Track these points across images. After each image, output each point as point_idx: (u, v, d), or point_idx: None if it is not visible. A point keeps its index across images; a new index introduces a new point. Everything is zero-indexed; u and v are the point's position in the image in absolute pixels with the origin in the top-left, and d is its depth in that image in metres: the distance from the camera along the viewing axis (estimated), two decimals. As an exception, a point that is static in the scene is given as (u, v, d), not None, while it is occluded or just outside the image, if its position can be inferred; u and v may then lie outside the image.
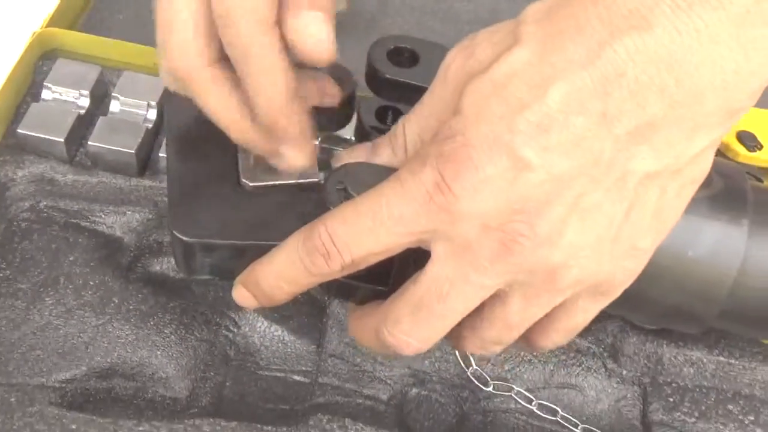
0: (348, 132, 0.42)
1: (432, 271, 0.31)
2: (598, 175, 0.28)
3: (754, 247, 0.35)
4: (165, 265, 0.47)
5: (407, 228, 0.30)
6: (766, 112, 0.50)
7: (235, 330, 0.46)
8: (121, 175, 0.47)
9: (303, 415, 0.42)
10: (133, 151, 0.46)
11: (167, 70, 0.33)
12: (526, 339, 0.34)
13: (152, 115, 0.48)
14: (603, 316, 0.44)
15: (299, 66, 0.34)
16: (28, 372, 0.41)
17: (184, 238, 0.35)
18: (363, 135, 0.40)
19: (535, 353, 0.45)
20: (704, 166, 0.30)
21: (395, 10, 0.63)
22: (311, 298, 0.46)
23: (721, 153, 0.50)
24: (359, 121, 0.40)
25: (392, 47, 0.41)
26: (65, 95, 0.48)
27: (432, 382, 0.45)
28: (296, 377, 0.45)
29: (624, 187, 0.29)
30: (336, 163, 0.36)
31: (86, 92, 0.48)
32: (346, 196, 0.32)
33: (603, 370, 0.45)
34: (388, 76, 0.40)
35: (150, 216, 0.47)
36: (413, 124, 0.33)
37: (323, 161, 0.38)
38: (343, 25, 0.61)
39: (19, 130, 0.47)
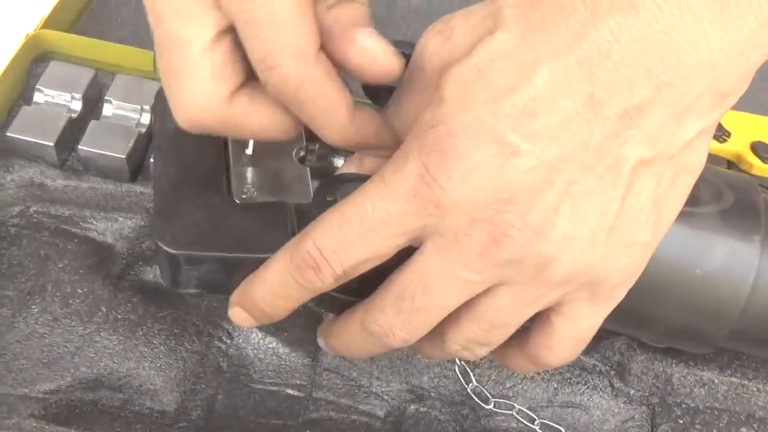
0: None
1: (418, 262, 0.30)
2: (589, 160, 0.27)
3: (767, 264, 0.33)
4: (157, 274, 0.46)
5: (396, 228, 0.29)
6: (782, 122, 0.49)
7: (229, 341, 0.45)
8: (113, 181, 0.47)
9: (296, 430, 0.42)
10: (124, 156, 0.45)
11: (186, 122, 0.30)
12: (530, 355, 0.33)
13: (145, 119, 0.47)
14: (610, 333, 0.44)
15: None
16: (11, 382, 0.40)
17: (170, 250, 0.34)
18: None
19: (540, 371, 0.44)
20: (699, 155, 0.29)
21: (401, 16, 0.62)
22: (307, 310, 0.45)
23: (734, 165, 0.49)
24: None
25: None
26: (57, 98, 0.47)
27: (431, 399, 0.44)
28: (290, 391, 0.44)
29: (617, 174, 0.28)
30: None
31: (78, 95, 0.47)
32: None
33: (609, 388, 0.44)
34: None
35: (142, 223, 0.46)
36: (393, 120, 0.32)
37: (317, 171, 0.37)
38: None
39: (8, 134, 0.46)
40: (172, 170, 0.36)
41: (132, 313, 0.43)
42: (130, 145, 0.46)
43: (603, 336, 0.44)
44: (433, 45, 0.30)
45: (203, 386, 0.43)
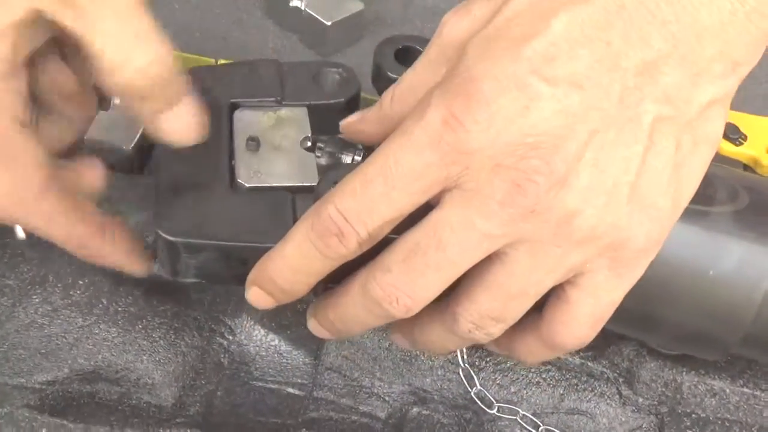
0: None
1: (434, 217, 0.29)
2: (610, 110, 0.28)
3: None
4: (160, 267, 0.46)
5: (421, 182, 0.28)
6: (800, 125, 0.49)
7: (231, 337, 0.44)
8: (119, 172, 0.46)
9: (295, 430, 0.41)
10: (131, 148, 0.45)
11: None
12: (544, 335, 0.32)
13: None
14: (619, 338, 0.43)
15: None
16: (8, 371, 0.40)
17: (169, 237, 0.33)
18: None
19: (548, 368, 0.43)
20: (716, 126, 0.30)
21: (416, 14, 0.63)
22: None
23: (750, 169, 0.48)
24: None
25: (400, 47, 0.40)
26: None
27: (434, 402, 0.43)
28: (291, 390, 0.44)
29: (638, 128, 0.28)
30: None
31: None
32: None
33: (617, 396, 0.43)
34: (394, 75, 0.39)
35: (148, 216, 0.45)
36: (404, 90, 0.32)
37: (327, 165, 0.37)
38: (364, 29, 0.61)
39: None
40: (175, 159, 0.36)
41: (132, 306, 0.43)
42: (138, 136, 0.45)
43: (611, 341, 0.43)
44: (452, 21, 0.31)
45: (203, 382, 0.43)
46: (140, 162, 0.46)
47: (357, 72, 0.41)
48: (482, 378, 0.43)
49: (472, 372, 0.43)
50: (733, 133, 0.47)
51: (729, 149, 0.48)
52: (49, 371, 0.40)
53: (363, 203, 0.29)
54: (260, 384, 0.43)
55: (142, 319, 0.43)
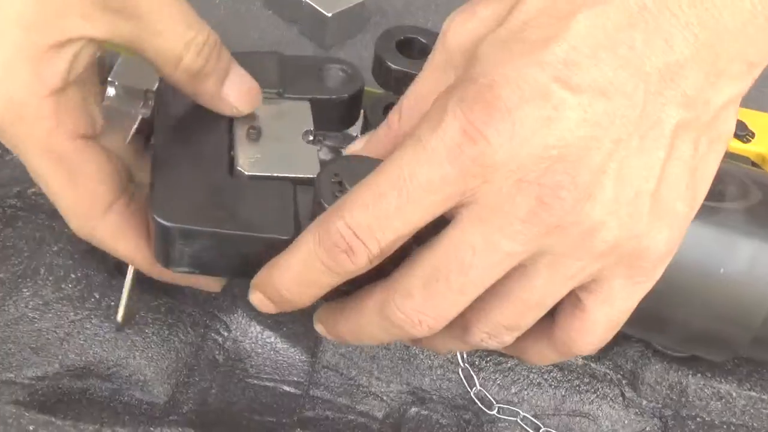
0: (355, 130, 0.41)
1: (453, 237, 0.28)
2: (634, 117, 0.27)
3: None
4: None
5: (437, 195, 0.27)
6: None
7: (226, 334, 0.44)
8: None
9: (290, 428, 0.41)
10: (126, 141, 0.44)
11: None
12: (557, 342, 0.31)
13: (149, 103, 0.46)
14: (623, 339, 0.42)
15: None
16: (-3, 367, 0.39)
17: (164, 222, 0.33)
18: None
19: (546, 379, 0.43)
20: (729, 125, 0.29)
21: (418, 6, 0.62)
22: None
23: (758, 166, 0.48)
24: (366, 119, 0.39)
25: (402, 38, 0.40)
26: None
27: (432, 402, 0.43)
28: (286, 388, 0.43)
29: (661, 134, 0.27)
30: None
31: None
32: (341, 189, 0.30)
33: (620, 398, 0.43)
34: (395, 67, 0.39)
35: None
36: (412, 104, 0.31)
37: (329, 159, 0.36)
38: (366, 23, 0.60)
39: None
40: (173, 146, 0.36)
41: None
42: (133, 129, 0.45)
43: (615, 342, 0.42)
44: (456, 24, 0.30)
45: (197, 379, 0.42)
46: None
47: (358, 64, 0.40)
48: (482, 378, 0.43)
49: (471, 372, 0.42)
50: (741, 131, 0.47)
51: (737, 146, 0.48)
52: (39, 366, 0.40)
53: (375, 218, 0.27)
54: (255, 382, 0.43)
55: (135, 314, 0.42)
